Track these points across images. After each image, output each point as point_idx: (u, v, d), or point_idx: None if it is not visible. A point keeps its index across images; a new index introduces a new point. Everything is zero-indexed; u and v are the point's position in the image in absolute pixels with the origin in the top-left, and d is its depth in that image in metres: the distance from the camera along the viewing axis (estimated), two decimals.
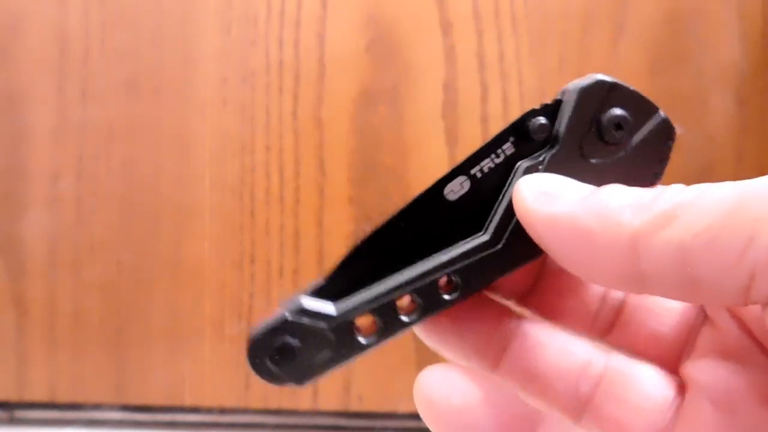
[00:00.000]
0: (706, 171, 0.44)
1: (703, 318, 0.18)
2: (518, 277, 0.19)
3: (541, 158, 0.18)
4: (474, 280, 0.18)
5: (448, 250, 0.18)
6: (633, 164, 0.18)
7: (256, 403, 0.44)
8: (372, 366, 0.44)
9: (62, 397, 0.45)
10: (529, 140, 0.18)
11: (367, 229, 0.20)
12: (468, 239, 0.18)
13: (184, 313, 0.45)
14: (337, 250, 0.45)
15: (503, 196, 0.18)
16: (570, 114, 0.18)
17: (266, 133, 0.45)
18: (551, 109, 0.18)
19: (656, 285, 0.15)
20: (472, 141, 0.44)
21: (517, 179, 0.17)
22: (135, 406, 0.45)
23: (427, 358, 0.44)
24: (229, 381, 0.45)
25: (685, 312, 0.18)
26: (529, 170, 0.18)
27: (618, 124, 0.18)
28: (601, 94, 0.18)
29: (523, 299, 0.19)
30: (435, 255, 0.18)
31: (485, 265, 0.18)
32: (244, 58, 0.45)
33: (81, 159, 0.46)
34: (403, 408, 0.44)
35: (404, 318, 0.19)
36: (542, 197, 0.16)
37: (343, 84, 0.45)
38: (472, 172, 0.19)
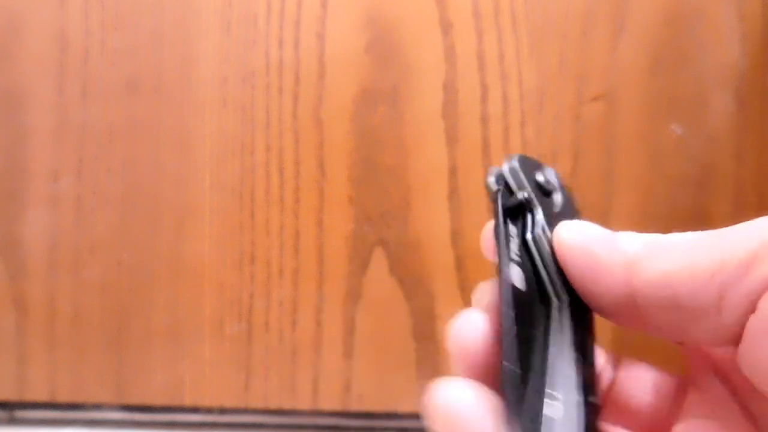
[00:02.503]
0: (706, 171, 0.44)
1: (687, 383, 0.21)
2: None
3: (537, 218, 0.22)
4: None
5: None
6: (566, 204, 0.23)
7: (256, 403, 0.44)
8: (372, 366, 0.44)
9: (62, 397, 0.45)
10: (515, 215, 0.22)
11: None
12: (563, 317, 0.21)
13: (184, 313, 0.45)
14: (337, 250, 0.45)
15: (543, 262, 0.21)
16: (524, 183, 0.23)
17: (266, 133, 0.45)
18: (509, 188, 0.23)
19: (644, 302, 0.18)
20: (472, 141, 0.44)
21: (540, 240, 0.21)
22: (135, 406, 0.45)
23: (427, 358, 0.44)
24: (229, 381, 0.45)
25: (670, 379, 0.21)
26: (541, 229, 0.22)
27: (546, 180, 0.23)
28: (527, 165, 0.23)
29: None
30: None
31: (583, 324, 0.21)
32: (244, 58, 0.45)
33: (81, 159, 0.46)
34: (403, 408, 0.44)
35: None
36: (573, 233, 0.20)
37: (343, 84, 0.45)
38: (514, 258, 0.22)
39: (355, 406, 0.44)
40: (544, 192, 0.23)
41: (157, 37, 0.46)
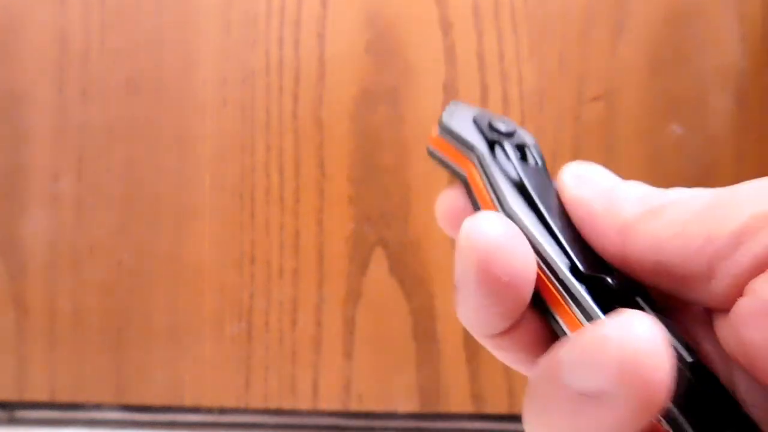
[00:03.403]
0: (706, 171, 0.44)
1: None
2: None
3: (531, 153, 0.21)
4: None
5: None
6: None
7: (256, 403, 0.44)
8: (372, 366, 0.44)
9: (62, 397, 0.45)
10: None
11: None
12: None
13: (184, 313, 0.45)
14: (337, 250, 0.45)
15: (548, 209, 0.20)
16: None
17: (266, 133, 0.45)
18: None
19: (636, 267, 0.18)
20: None
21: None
22: (135, 406, 0.45)
23: (427, 358, 0.44)
24: (229, 381, 0.45)
25: None
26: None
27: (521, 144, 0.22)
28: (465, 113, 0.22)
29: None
30: None
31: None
32: (244, 58, 0.45)
33: (81, 159, 0.46)
34: (403, 408, 0.44)
35: None
36: (576, 180, 0.20)
37: (343, 84, 0.45)
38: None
39: (355, 406, 0.44)
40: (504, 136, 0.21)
41: (157, 37, 0.46)
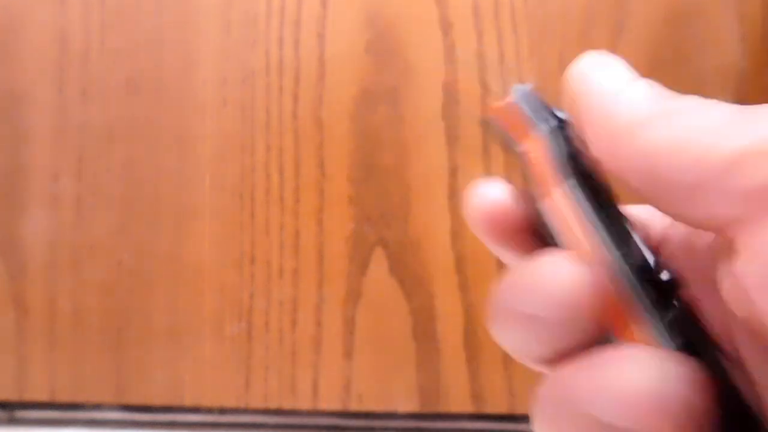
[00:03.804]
0: None
1: None
2: None
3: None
4: None
5: None
6: None
7: (256, 403, 0.44)
8: (372, 366, 0.44)
9: (62, 397, 0.45)
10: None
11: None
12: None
13: (184, 313, 0.45)
14: (337, 250, 0.45)
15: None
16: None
17: (266, 133, 0.45)
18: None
19: (625, 168, 0.16)
20: (472, 141, 0.44)
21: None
22: (135, 406, 0.45)
23: (427, 358, 0.44)
24: (229, 381, 0.45)
25: None
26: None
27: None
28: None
29: None
30: None
31: None
32: (244, 58, 0.45)
33: (81, 159, 0.46)
34: (403, 408, 0.44)
35: None
36: (583, 74, 0.18)
37: (343, 84, 0.45)
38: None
39: (355, 406, 0.44)
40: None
41: (157, 37, 0.46)
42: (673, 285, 0.17)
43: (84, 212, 0.45)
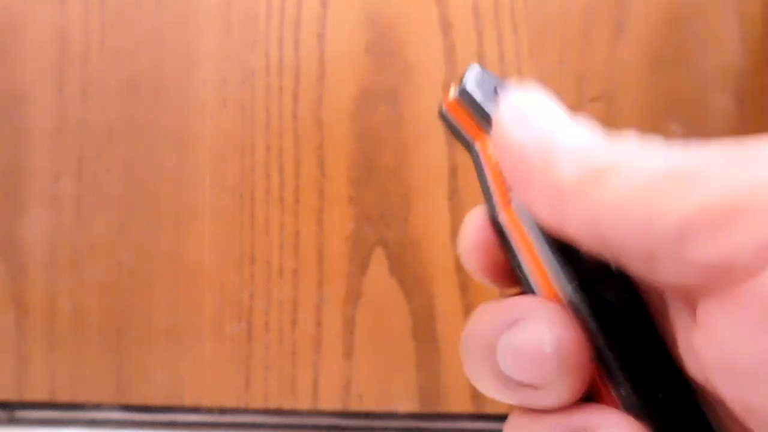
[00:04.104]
0: None
1: None
2: None
3: None
4: None
5: None
6: None
7: (256, 403, 0.45)
8: (372, 366, 0.44)
9: (62, 397, 0.45)
10: None
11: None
12: None
13: (184, 313, 0.45)
14: (337, 250, 0.45)
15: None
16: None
17: (266, 133, 0.45)
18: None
19: (574, 232, 0.15)
20: None
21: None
22: (135, 406, 0.45)
23: (427, 358, 0.44)
24: (229, 381, 0.45)
25: None
26: None
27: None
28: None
29: None
30: None
31: None
32: (244, 58, 0.45)
33: (81, 159, 0.46)
34: (403, 408, 0.44)
35: None
36: (515, 118, 0.16)
37: (343, 84, 0.45)
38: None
39: (355, 406, 0.44)
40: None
41: (157, 37, 0.46)
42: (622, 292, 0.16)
43: (84, 212, 0.45)
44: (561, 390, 0.16)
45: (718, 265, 0.13)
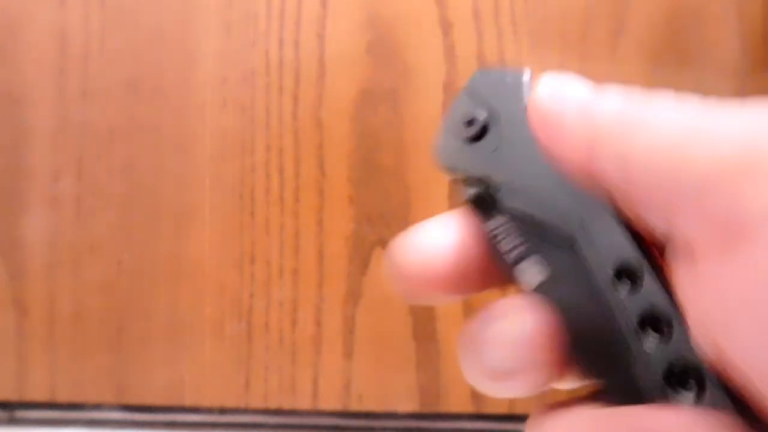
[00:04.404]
0: None
1: None
2: None
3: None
4: None
5: None
6: None
7: (256, 403, 0.45)
8: (372, 366, 0.44)
9: (62, 397, 0.45)
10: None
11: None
12: None
13: (184, 313, 0.45)
14: (337, 250, 0.45)
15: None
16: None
17: (266, 133, 0.45)
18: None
19: (604, 184, 0.16)
20: None
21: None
22: (135, 406, 0.45)
23: (427, 358, 0.44)
24: (229, 381, 0.45)
25: None
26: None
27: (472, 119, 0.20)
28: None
29: None
30: None
31: None
32: (244, 58, 0.45)
33: (81, 159, 0.46)
34: (403, 408, 0.44)
35: None
36: (549, 94, 0.18)
37: (343, 84, 0.45)
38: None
39: (355, 406, 0.44)
40: (475, 139, 0.19)
41: (157, 37, 0.46)
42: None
43: (84, 212, 0.45)
44: (537, 376, 0.17)
45: (732, 221, 0.14)
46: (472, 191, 0.19)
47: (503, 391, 0.18)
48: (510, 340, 0.17)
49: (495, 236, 0.18)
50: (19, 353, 0.45)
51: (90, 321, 0.45)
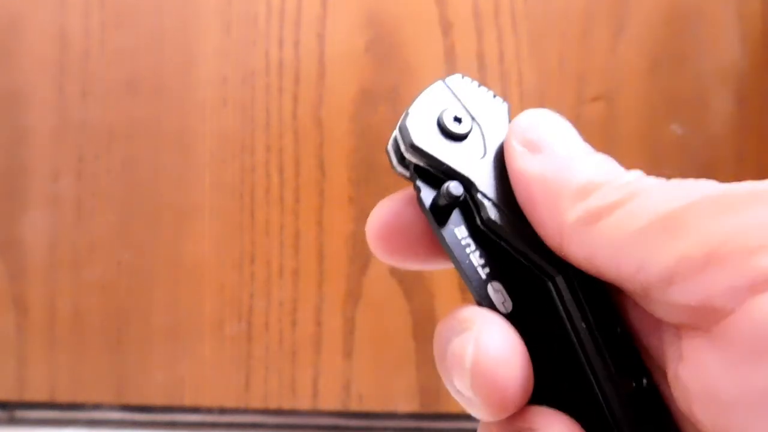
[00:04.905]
0: (706, 171, 0.44)
1: None
2: None
3: (480, 199, 0.19)
4: None
5: None
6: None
7: (256, 403, 0.45)
8: (372, 366, 0.44)
9: (62, 397, 0.45)
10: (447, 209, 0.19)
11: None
12: None
13: (184, 313, 0.45)
14: (337, 250, 0.45)
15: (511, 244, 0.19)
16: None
17: (266, 133, 0.45)
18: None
19: (576, 265, 0.17)
20: None
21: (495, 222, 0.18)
22: (135, 406, 0.45)
23: (427, 358, 0.44)
24: (229, 381, 0.45)
25: None
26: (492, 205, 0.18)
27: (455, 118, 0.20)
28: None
29: None
30: None
31: None
32: (244, 58, 0.45)
33: (81, 159, 0.46)
34: (403, 408, 0.44)
35: None
36: (525, 146, 0.18)
37: (343, 84, 0.45)
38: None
39: (355, 406, 0.44)
40: (456, 138, 0.19)
41: (157, 37, 0.46)
42: None
43: (84, 212, 0.45)
44: (491, 402, 0.17)
45: (699, 306, 0.15)
46: (450, 186, 0.19)
47: (473, 412, 0.18)
48: (461, 362, 0.18)
49: (459, 242, 0.19)
50: (19, 353, 0.45)
51: (90, 321, 0.45)
